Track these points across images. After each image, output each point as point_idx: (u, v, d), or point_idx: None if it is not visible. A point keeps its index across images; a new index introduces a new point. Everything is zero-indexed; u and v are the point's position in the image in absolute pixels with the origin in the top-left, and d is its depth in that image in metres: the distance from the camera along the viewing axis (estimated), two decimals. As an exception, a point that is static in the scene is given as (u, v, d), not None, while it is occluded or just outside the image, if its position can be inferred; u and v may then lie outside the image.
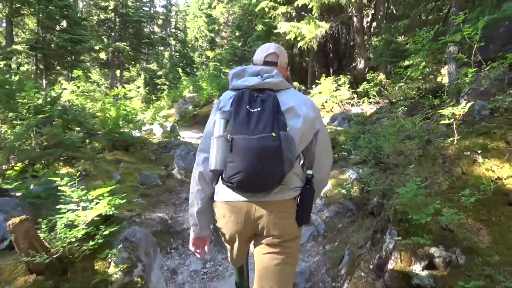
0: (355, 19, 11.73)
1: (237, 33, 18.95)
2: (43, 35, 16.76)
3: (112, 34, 27.37)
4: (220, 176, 1.53)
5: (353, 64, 14.69)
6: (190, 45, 33.22)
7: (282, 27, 10.31)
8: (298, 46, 11.43)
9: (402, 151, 3.82)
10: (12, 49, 14.92)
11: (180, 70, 22.12)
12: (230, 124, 1.49)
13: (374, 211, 3.73)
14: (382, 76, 9.79)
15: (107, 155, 5.08)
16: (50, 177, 2.49)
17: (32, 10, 16.21)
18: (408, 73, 5.09)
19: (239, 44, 18.27)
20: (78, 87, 8.67)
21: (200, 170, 1.65)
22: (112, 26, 27.36)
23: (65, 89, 8.56)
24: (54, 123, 5.88)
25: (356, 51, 12.23)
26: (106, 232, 2.73)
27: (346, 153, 5.37)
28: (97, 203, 2.39)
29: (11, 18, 16.02)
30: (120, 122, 6.06)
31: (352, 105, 9.62)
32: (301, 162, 1.75)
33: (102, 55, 27.45)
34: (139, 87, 27.66)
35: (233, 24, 20.61)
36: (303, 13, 11.62)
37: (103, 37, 27.60)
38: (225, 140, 1.47)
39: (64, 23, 17.61)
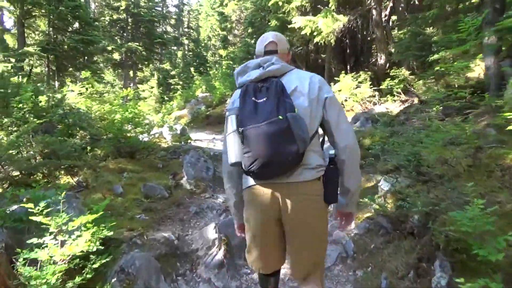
0: (374, 11, 11.04)
1: (249, 30, 18.36)
2: (55, 36, 16.58)
3: (125, 34, 27.22)
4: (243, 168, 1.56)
5: (372, 60, 13.99)
6: (203, 44, 32.87)
7: (297, 22, 9.71)
8: (314, 42, 10.82)
9: (446, 159, 3.25)
10: (24, 51, 14.74)
11: (192, 69, 21.72)
12: (239, 117, 1.54)
13: (414, 231, 3.16)
14: (405, 72, 9.12)
15: (110, 163, 4.64)
16: (22, 204, 2.01)
17: (43, 11, 16.07)
18: (441, 67, 4.45)
19: (252, 41, 17.71)
20: (87, 89, 8.30)
21: (228, 171, 1.77)
22: (124, 26, 27.20)
23: (72, 91, 8.22)
24: (58, 127, 5.51)
25: (376, 45, 11.54)
26: (96, 265, 2.26)
27: (373, 158, 4.79)
28: (78, 236, 1.91)
29: (23, 20, 15.89)
30: (127, 126, 5.63)
31: (374, 103, 8.97)
32: (321, 139, 1.73)
33: (116, 56, 27.36)
34: (152, 87, 27.49)
35: (245, 21, 20.03)
36: (319, 6, 11.01)
37: (116, 37, 27.52)
38: (237, 133, 1.52)
39: (76, 24, 17.43)
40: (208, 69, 25.51)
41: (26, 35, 17.16)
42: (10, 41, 18.03)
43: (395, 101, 8.52)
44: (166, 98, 20.70)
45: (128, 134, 5.57)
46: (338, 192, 1.69)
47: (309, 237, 1.62)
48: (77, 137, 5.42)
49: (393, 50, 11.52)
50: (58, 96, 6.86)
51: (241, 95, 1.58)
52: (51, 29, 16.52)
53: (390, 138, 5.14)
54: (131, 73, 29.27)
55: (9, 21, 19.53)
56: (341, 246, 3.66)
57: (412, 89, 7.46)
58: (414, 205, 3.09)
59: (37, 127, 5.02)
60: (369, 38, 13.89)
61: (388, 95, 8.51)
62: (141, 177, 4.44)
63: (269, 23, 12.90)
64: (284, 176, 1.53)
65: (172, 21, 39.78)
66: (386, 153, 4.79)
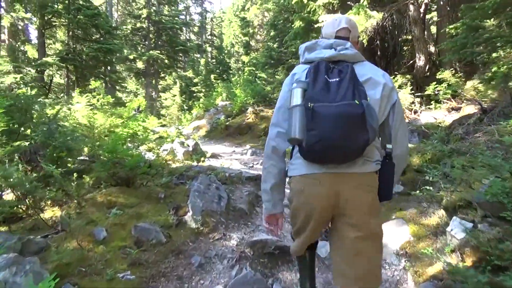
0: (411, 7, 9.88)
1: (272, 33, 17.45)
2: (74, 46, 16.29)
3: (147, 42, 26.97)
4: (299, 147, 1.48)
5: (405, 62, 12.69)
6: (226, 51, 32.38)
7: (325, 21, 8.69)
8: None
9: None
10: (43, 62, 14.47)
11: (213, 76, 21.04)
12: (309, 93, 1.45)
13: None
14: (448, 74, 7.86)
15: (98, 195, 3.78)
16: None
17: (63, 20, 15.87)
18: None
19: (275, 45, 16.80)
20: (98, 100, 7.61)
21: (273, 145, 1.63)
22: (146, 34, 26.97)
23: (77, 103, 7.55)
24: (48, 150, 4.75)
25: (415, 45, 10.31)
26: None
27: (431, 188, 3.69)
28: None
29: (43, 30, 15.71)
30: (126, 145, 4.79)
31: (415, 111, 7.77)
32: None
33: (140, 64, 27.15)
34: (175, 96, 27.16)
35: (267, 24, 19.13)
36: (348, 3, 9.95)
37: (138, 46, 27.36)
38: (304, 108, 1.41)
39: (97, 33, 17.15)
40: (231, 76, 24.86)
41: (46, 45, 17.03)
42: (33, 52, 17.92)
43: (440, 108, 7.31)
44: (185, 107, 20.05)
45: (130, 152, 4.70)
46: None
47: (365, 232, 1.47)
48: (69, 160, 4.63)
49: (433, 50, 10.30)
50: (52, 111, 6.14)
51: (312, 71, 1.50)
52: (69, 38, 16.24)
53: (450, 158, 4.02)
54: (153, 81, 29.00)
55: (33, 33, 19.49)
56: (398, 319, 2.62)
57: (465, 94, 6.26)
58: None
59: (22, 149, 4.28)
60: (400, 39, 12.64)
61: (432, 102, 7.29)
62: (135, 213, 3.53)
63: (292, 25, 11.94)
64: (344, 165, 1.43)
65: (195, 29, 39.64)
66: (447, 180, 3.69)
